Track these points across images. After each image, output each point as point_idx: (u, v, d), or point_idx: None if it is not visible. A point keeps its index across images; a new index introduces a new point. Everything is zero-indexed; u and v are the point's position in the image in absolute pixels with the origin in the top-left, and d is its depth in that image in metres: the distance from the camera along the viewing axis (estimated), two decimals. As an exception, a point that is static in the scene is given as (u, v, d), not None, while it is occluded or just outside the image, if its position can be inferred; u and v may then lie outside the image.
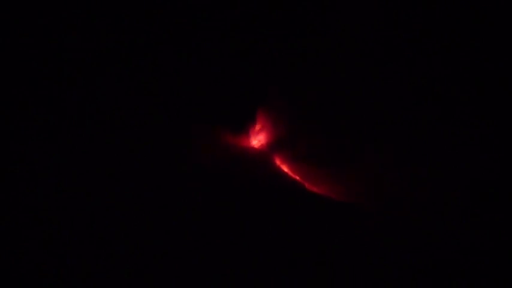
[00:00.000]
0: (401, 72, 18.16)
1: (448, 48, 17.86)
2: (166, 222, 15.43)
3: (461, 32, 17.75)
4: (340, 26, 18.18)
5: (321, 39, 18.32)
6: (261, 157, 17.79)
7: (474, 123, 17.50)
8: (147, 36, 18.10)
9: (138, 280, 14.14)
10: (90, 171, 16.10)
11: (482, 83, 17.51)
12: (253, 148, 18.18)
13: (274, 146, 18.13)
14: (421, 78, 18.15)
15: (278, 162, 17.95)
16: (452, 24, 17.78)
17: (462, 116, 17.65)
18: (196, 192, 16.21)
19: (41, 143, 16.25)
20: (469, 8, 17.58)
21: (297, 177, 17.56)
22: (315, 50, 18.40)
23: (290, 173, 17.69)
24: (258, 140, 18.40)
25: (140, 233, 15.00)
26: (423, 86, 18.16)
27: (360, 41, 18.25)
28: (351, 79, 18.16)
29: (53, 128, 16.56)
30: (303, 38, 18.42)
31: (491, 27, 17.53)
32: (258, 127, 18.43)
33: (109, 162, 16.38)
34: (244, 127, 18.46)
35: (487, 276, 14.80)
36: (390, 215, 16.35)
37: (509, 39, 17.39)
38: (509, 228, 15.67)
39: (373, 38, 18.16)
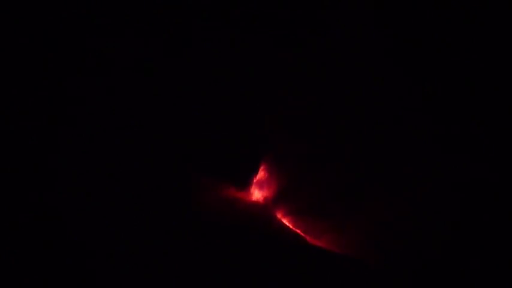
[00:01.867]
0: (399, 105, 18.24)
1: (445, 59, 18.00)
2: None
3: (460, 35, 17.88)
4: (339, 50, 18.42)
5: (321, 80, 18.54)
6: (262, 211, 17.76)
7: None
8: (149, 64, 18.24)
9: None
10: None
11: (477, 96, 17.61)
12: (253, 201, 18.17)
13: (275, 199, 18.12)
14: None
15: (279, 215, 17.93)
16: (450, 27, 17.94)
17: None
18: (196, 246, 16.19)
19: (38, 145, 16.24)
20: (468, 8, 17.72)
21: (299, 231, 17.50)
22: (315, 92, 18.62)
23: (291, 227, 17.65)
24: (258, 193, 18.41)
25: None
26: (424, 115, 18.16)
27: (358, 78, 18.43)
28: (349, 121, 18.30)
29: (48, 133, 16.54)
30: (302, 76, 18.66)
31: (491, 28, 17.66)
32: (258, 180, 18.48)
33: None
34: (244, 180, 18.51)
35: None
36: (394, 268, 16.29)
37: (508, 39, 17.52)
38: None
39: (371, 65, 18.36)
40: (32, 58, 17.04)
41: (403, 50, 18.20)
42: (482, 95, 17.65)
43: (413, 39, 18.13)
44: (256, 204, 18.04)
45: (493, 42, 17.68)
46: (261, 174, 18.47)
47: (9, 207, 15.08)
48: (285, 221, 17.82)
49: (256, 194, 18.40)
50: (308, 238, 17.32)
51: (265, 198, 18.26)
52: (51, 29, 17.29)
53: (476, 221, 16.77)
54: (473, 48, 17.83)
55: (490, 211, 16.78)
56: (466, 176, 17.35)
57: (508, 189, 16.88)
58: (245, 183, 18.37)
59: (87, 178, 16.53)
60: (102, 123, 17.36)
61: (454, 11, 17.87)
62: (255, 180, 18.48)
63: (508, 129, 17.28)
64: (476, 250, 16.32)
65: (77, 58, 17.47)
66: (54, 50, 17.31)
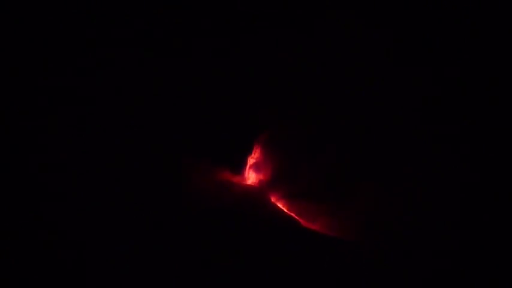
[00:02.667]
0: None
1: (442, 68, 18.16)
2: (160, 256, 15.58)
3: (460, 35, 18.00)
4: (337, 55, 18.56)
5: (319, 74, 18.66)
6: (257, 194, 17.91)
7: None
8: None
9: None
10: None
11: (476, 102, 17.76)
12: (248, 185, 18.33)
13: (270, 183, 18.28)
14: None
15: (274, 199, 18.08)
16: (450, 27, 18.06)
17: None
18: (192, 228, 16.33)
19: (37, 145, 16.41)
20: (468, 8, 17.85)
21: (293, 214, 17.65)
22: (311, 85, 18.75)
23: (286, 210, 17.80)
24: (253, 176, 18.56)
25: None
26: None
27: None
28: (346, 114, 18.46)
29: (45, 132, 16.69)
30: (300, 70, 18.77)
31: (490, 29, 17.79)
32: (253, 164, 18.62)
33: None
34: (240, 164, 18.66)
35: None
36: (386, 251, 16.44)
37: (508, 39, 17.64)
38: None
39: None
40: (31, 58, 17.23)
41: (402, 49, 18.38)
42: (481, 95, 17.83)
43: (413, 39, 18.31)
44: (251, 187, 18.20)
45: (493, 43, 17.83)
46: (256, 158, 18.62)
47: (9, 207, 15.23)
48: (279, 205, 17.99)
49: (252, 178, 18.57)
50: (302, 221, 17.46)
51: (260, 182, 18.42)
52: (51, 29, 17.49)
53: (467, 205, 16.95)
54: (473, 48, 18.00)
55: (476, 197, 16.96)
56: (459, 166, 17.52)
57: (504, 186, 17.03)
58: (240, 167, 18.54)
59: (84, 170, 16.68)
60: (94, 113, 17.50)
61: (455, 11, 18.06)
62: (249, 164, 18.63)
63: (507, 129, 17.44)
64: (465, 234, 16.48)
65: (76, 58, 17.66)
66: (54, 50, 17.50)
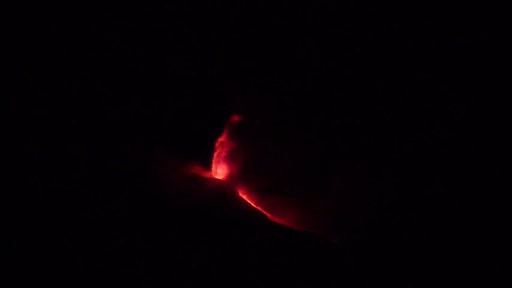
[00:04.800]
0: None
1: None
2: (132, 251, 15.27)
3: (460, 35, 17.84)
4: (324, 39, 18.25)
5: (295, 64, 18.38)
6: (223, 188, 17.56)
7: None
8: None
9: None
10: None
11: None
12: (216, 179, 17.94)
13: (236, 177, 17.91)
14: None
15: (241, 193, 17.70)
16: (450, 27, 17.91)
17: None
18: (158, 221, 16.00)
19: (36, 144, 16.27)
20: (468, 8, 17.70)
21: (259, 208, 17.27)
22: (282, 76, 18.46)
23: (253, 204, 17.42)
24: (221, 171, 18.18)
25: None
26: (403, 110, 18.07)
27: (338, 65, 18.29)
28: (317, 104, 18.13)
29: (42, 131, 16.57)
30: (279, 58, 18.47)
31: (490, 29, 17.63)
32: (221, 158, 18.23)
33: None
34: (206, 159, 18.30)
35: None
36: (355, 244, 16.14)
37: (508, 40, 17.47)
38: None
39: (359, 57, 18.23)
40: (31, 58, 17.08)
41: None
42: (481, 95, 17.64)
43: (414, 39, 18.12)
44: (219, 181, 17.84)
45: (493, 43, 17.66)
46: (224, 151, 18.22)
47: (9, 207, 15.04)
48: (247, 199, 17.61)
49: (219, 172, 18.18)
50: (269, 215, 17.10)
51: (227, 176, 18.04)
52: (51, 29, 17.34)
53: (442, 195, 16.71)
54: (473, 48, 17.81)
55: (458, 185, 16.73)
56: (438, 155, 17.31)
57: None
58: (206, 162, 18.17)
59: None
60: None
61: (455, 11, 17.87)
62: (218, 158, 18.24)
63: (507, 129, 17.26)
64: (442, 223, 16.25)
65: (75, 58, 17.56)
66: (54, 50, 17.38)
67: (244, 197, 17.62)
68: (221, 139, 18.36)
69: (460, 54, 17.71)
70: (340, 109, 18.23)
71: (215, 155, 18.33)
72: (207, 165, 18.34)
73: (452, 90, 17.58)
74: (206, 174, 18.10)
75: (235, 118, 18.32)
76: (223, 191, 17.47)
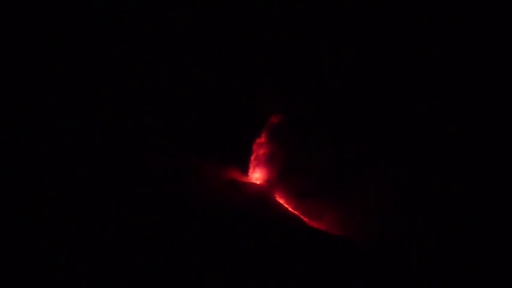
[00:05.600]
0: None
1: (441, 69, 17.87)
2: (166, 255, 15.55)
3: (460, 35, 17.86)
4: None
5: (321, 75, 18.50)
6: (261, 193, 17.75)
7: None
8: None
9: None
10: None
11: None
12: (253, 184, 18.16)
13: (274, 181, 18.09)
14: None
15: (278, 197, 17.89)
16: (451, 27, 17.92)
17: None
18: (198, 228, 16.24)
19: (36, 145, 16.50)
20: (468, 8, 17.70)
21: (297, 213, 17.44)
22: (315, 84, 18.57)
23: (290, 208, 17.59)
24: (257, 175, 18.39)
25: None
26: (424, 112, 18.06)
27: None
28: (349, 111, 18.22)
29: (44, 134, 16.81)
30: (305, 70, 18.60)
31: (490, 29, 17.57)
32: (258, 162, 18.45)
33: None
34: (244, 163, 18.55)
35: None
36: (390, 250, 16.15)
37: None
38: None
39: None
40: (31, 58, 17.37)
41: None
42: (482, 95, 17.54)
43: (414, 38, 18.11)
44: (256, 186, 18.05)
45: (493, 43, 17.60)
46: (260, 156, 18.43)
47: (9, 207, 15.22)
48: (284, 203, 17.78)
49: (256, 176, 18.40)
50: (306, 220, 17.24)
51: (264, 180, 18.24)
52: (51, 29, 17.62)
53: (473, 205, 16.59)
54: (473, 48, 17.78)
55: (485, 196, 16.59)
56: (465, 162, 17.20)
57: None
58: (244, 166, 18.43)
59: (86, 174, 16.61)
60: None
61: (456, 11, 17.78)
62: (253, 163, 18.47)
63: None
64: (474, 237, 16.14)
65: (74, 59, 17.82)
66: (54, 50, 17.67)
67: (282, 202, 17.80)
68: (259, 141, 18.53)
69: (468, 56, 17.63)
70: (376, 112, 18.25)
71: (252, 158, 18.54)
72: (245, 169, 18.56)
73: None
74: (244, 179, 18.32)
75: (274, 119, 18.47)
76: (261, 196, 17.63)
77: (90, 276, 14.21)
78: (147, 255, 15.20)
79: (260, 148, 18.41)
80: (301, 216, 17.32)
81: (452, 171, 16.96)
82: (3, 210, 14.99)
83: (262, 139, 18.37)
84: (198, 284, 14.89)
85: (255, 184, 18.27)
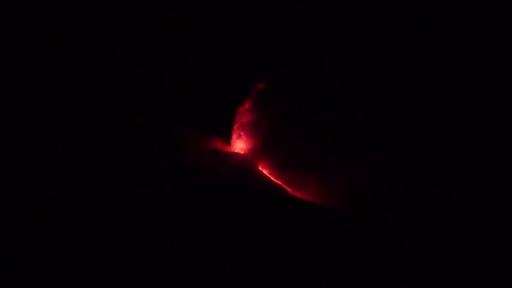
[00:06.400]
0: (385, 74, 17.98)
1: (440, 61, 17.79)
2: (154, 227, 15.31)
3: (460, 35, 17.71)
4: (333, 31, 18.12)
5: (309, 44, 18.24)
6: (243, 162, 17.52)
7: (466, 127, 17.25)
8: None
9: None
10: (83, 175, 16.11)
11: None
12: (235, 153, 17.90)
13: (257, 150, 17.83)
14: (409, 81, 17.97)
15: (261, 166, 17.64)
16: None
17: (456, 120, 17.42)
18: (181, 198, 16.04)
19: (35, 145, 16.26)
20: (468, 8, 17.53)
21: (280, 182, 17.22)
22: (301, 54, 18.32)
23: (273, 178, 17.37)
24: (241, 144, 18.12)
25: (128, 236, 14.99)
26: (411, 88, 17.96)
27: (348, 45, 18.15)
28: (336, 83, 17.98)
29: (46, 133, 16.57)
30: (290, 45, 18.36)
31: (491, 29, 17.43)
32: (241, 131, 18.16)
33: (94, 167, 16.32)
34: (227, 132, 18.24)
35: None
36: (374, 220, 16.05)
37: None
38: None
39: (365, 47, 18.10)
40: (32, 58, 17.14)
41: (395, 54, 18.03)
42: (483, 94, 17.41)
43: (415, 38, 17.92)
44: (236, 155, 17.78)
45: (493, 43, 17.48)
46: (243, 124, 18.14)
47: (9, 207, 15.09)
48: (266, 172, 17.56)
49: (238, 146, 18.12)
50: (289, 190, 17.05)
51: (246, 150, 17.98)
52: (51, 29, 17.36)
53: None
54: (474, 48, 17.65)
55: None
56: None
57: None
58: (226, 135, 18.12)
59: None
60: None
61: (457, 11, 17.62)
62: (236, 132, 18.17)
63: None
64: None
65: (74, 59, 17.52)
66: (54, 50, 17.38)
67: (265, 171, 17.56)
68: (242, 108, 18.22)
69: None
70: (364, 86, 18.09)
71: (235, 126, 18.24)
72: (227, 138, 18.27)
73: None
74: (227, 149, 18.04)
75: (260, 86, 18.16)
76: (244, 167, 17.39)
77: (89, 274, 14.25)
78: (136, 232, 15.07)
79: (243, 116, 18.04)
80: (284, 186, 17.10)
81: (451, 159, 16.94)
82: (3, 210, 14.91)
83: (246, 106, 17.95)
84: (184, 257, 14.82)
85: (238, 154, 17.97)
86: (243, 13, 18.53)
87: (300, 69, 18.32)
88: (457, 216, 16.07)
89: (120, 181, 16.07)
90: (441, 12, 17.83)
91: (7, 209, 14.92)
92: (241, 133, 18.21)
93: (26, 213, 14.95)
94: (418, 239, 15.59)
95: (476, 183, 16.47)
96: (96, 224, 15.10)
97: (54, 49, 17.32)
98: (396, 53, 18.09)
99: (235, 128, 18.27)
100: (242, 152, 18.03)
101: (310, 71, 18.27)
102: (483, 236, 15.58)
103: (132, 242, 14.86)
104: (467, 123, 17.31)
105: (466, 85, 17.61)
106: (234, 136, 18.27)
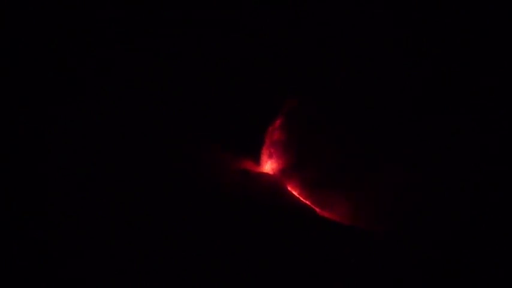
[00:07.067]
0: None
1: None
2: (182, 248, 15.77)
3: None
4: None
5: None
6: (273, 182, 17.88)
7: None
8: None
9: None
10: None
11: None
12: (265, 174, 18.27)
13: (286, 170, 18.16)
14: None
15: (289, 187, 17.98)
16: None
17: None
18: (210, 217, 16.44)
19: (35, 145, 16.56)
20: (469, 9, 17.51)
21: (308, 202, 17.52)
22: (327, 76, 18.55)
23: (301, 198, 17.69)
24: (269, 164, 18.48)
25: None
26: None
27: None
28: (360, 103, 18.15)
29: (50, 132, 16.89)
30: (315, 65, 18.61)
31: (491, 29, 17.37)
32: (269, 152, 18.52)
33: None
34: (256, 153, 18.61)
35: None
36: (401, 240, 16.17)
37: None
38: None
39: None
40: (32, 58, 17.41)
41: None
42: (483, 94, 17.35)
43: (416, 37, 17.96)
44: (266, 175, 18.14)
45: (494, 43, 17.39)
46: (271, 146, 18.50)
47: (8, 207, 15.41)
48: (295, 193, 17.87)
49: (267, 166, 18.49)
50: (317, 210, 17.33)
51: (275, 170, 18.33)
52: (51, 29, 17.63)
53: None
54: (474, 48, 17.60)
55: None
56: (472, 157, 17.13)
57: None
58: (256, 155, 18.48)
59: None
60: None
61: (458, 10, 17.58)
62: (266, 152, 18.54)
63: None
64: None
65: (76, 58, 17.82)
66: (54, 50, 17.66)
67: (294, 192, 17.89)
68: (272, 128, 18.55)
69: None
70: (392, 102, 18.19)
71: (265, 147, 18.60)
72: (257, 158, 18.63)
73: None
74: (257, 169, 18.39)
75: (291, 104, 18.44)
76: (274, 187, 17.69)
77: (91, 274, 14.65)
78: (157, 242, 15.51)
79: (273, 135, 18.39)
80: (313, 206, 17.40)
81: (467, 165, 16.88)
82: (3, 210, 15.29)
83: (275, 125, 18.31)
84: (208, 269, 15.20)
85: (268, 175, 18.32)
86: (274, 36, 18.76)
87: (330, 88, 18.51)
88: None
89: (147, 201, 16.44)
90: (441, 12, 17.81)
91: (7, 209, 15.20)
92: (271, 153, 18.55)
93: (26, 213, 15.23)
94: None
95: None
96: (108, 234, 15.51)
97: (54, 49, 17.61)
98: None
99: (265, 147, 18.62)
100: (272, 172, 18.36)
101: (341, 91, 18.45)
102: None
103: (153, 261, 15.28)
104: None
105: (467, 88, 17.52)
106: (264, 156, 18.62)
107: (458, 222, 16.25)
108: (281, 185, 17.89)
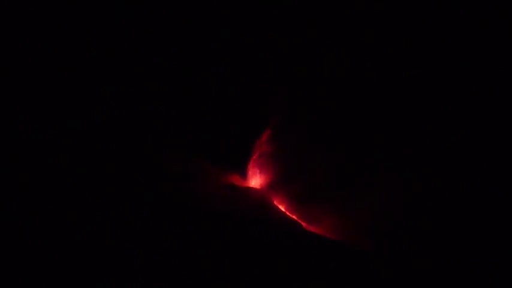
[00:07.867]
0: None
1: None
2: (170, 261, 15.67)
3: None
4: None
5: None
6: (260, 197, 17.84)
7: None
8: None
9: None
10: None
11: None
12: (252, 188, 18.26)
13: (272, 185, 18.16)
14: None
15: (276, 201, 17.95)
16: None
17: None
18: (195, 232, 16.37)
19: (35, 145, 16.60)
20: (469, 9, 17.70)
21: (295, 217, 17.49)
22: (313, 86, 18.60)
23: (288, 213, 17.65)
24: (256, 179, 18.48)
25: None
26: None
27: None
28: (346, 116, 18.22)
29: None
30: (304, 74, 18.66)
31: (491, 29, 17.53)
32: (256, 167, 18.53)
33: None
34: (242, 167, 18.62)
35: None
36: (389, 253, 16.14)
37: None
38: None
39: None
40: (32, 58, 17.52)
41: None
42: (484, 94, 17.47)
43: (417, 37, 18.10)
44: (253, 190, 18.12)
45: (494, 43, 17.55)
46: (258, 161, 18.51)
47: (8, 207, 15.39)
48: (282, 207, 17.85)
49: (254, 181, 18.48)
50: (304, 224, 17.29)
51: (262, 185, 18.32)
52: (51, 29, 17.75)
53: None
54: (474, 47, 17.76)
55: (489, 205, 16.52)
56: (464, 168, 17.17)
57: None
58: (242, 170, 18.48)
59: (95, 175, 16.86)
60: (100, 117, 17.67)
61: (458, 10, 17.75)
62: (252, 166, 18.54)
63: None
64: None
65: (75, 59, 17.94)
66: (54, 50, 17.79)
67: (281, 206, 17.86)
68: (259, 142, 18.56)
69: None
70: (378, 116, 18.25)
71: (251, 160, 18.59)
72: (244, 173, 18.62)
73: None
74: (243, 183, 18.37)
75: (276, 120, 18.46)
76: (260, 202, 17.65)
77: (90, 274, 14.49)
78: (147, 259, 15.41)
79: (259, 150, 18.40)
80: (299, 221, 17.36)
81: (455, 176, 16.91)
82: (3, 210, 15.22)
83: (262, 139, 18.33)
84: (196, 284, 15.08)
85: (255, 189, 18.31)
86: (263, 45, 18.82)
87: (317, 101, 18.57)
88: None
89: (134, 213, 16.30)
90: (441, 12, 17.97)
91: (7, 209, 15.16)
92: (258, 167, 18.55)
93: (26, 213, 15.17)
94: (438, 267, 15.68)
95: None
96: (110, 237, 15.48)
97: (54, 49, 17.70)
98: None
99: (251, 161, 18.63)
100: (259, 187, 18.35)
101: (328, 103, 18.50)
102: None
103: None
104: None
105: (467, 88, 17.61)
106: (251, 170, 18.61)
107: (448, 239, 16.26)
108: (268, 200, 17.86)
